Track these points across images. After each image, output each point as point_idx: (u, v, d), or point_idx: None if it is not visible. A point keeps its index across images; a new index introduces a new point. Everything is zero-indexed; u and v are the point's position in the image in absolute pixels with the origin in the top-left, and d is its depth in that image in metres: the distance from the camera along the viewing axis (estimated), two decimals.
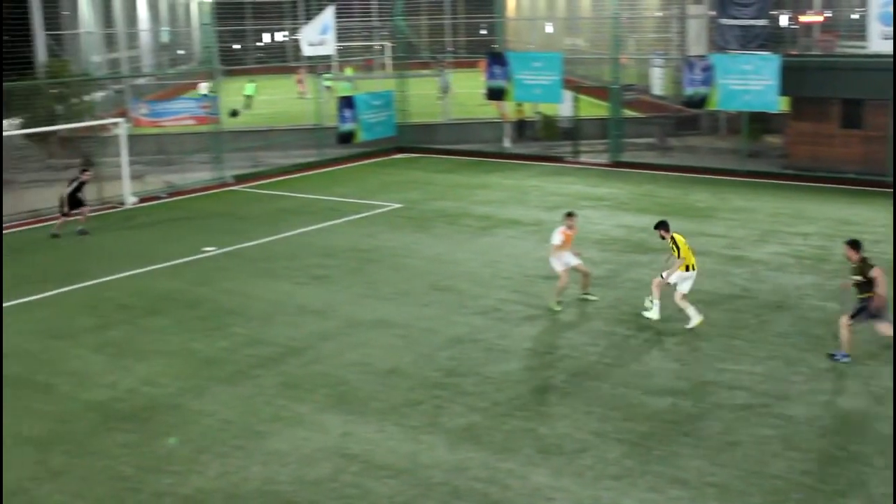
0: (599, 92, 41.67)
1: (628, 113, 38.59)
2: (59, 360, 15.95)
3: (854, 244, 15.04)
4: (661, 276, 17.06)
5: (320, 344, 16.36)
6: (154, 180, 32.42)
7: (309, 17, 38.21)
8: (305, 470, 11.90)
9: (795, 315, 17.37)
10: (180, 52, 68.55)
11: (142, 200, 29.65)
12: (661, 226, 16.95)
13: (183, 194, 30.79)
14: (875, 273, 14.65)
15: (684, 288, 16.80)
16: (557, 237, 17.95)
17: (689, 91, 31.97)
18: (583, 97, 38.57)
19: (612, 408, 13.48)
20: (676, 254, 16.68)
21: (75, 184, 25.56)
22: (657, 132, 37.61)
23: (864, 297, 14.79)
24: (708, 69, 31.18)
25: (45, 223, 26.82)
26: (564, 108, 38.09)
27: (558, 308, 17.92)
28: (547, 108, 39.95)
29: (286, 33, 75.10)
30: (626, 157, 34.65)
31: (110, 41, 50.39)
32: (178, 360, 15.80)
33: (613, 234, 23.55)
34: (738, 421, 12.99)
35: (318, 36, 35.08)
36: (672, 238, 16.84)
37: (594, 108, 41.87)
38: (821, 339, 15.94)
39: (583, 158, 35.30)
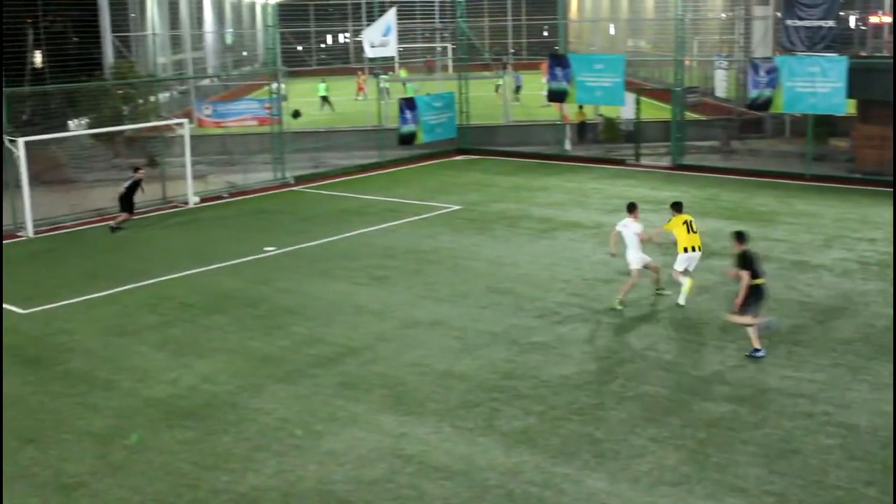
0: (662, 94, 41.37)
1: (691, 115, 38.23)
2: (122, 357, 16.18)
3: (739, 235, 15.57)
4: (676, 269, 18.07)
5: (378, 344, 16.41)
6: (216, 180, 32.83)
7: (371, 19, 38.40)
8: (361, 470, 11.93)
9: (859, 322, 17.04)
10: (244, 53, 69.28)
11: (204, 200, 30.00)
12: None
13: (245, 194, 31.11)
14: (739, 271, 15.22)
15: (679, 266, 18.00)
16: (637, 227, 17.94)
17: (754, 93, 31.55)
18: (645, 99, 38.27)
19: (670, 413, 13.34)
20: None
21: (129, 182, 26.04)
22: (720, 135, 37.22)
23: (757, 284, 15.22)
24: (773, 71, 30.75)
25: (112, 221, 27.25)
26: (626, 110, 37.84)
27: (620, 307, 17.86)
28: (608, 111, 39.74)
29: (349, 35, 75.57)
30: (689, 160, 34.32)
31: (176, 43, 51.08)
32: (238, 358, 15.95)
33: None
34: (799, 429, 12.77)
35: (381, 37, 35.21)
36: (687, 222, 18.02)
37: (656, 111, 41.60)
38: (885, 348, 15.62)
39: (644, 161, 35.04)
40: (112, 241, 25.17)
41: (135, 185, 26.22)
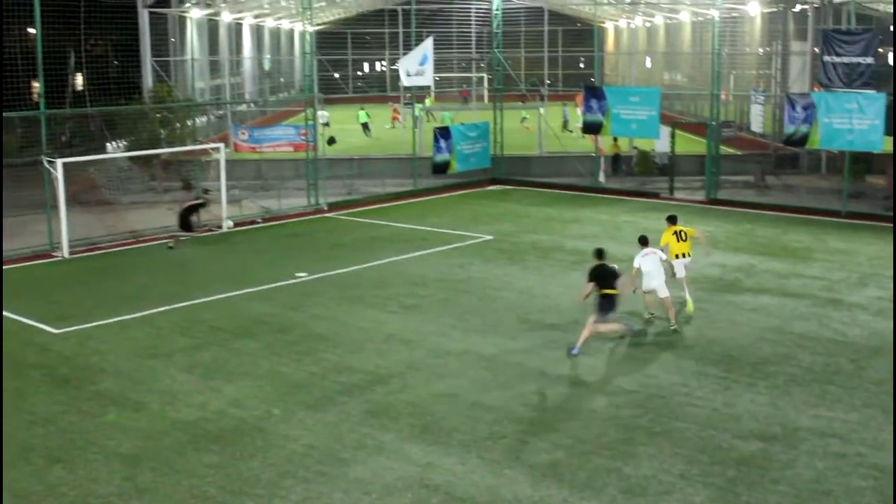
0: (697, 128, 41.26)
1: (726, 150, 38.11)
2: (152, 379, 16.26)
3: (597, 253, 17.75)
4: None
5: (407, 373, 16.39)
6: (251, 205, 33.03)
7: (408, 48, 38.62)
8: (387, 499, 11.89)
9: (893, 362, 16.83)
10: (281, 79, 69.89)
11: (238, 224, 30.20)
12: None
13: (278, 219, 31.29)
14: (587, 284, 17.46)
15: (680, 273, 19.91)
16: (661, 253, 19.12)
17: (790, 129, 31.40)
18: (680, 133, 38.19)
19: (699, 450, 13.21)
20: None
21: (194, 202, 26.46)
22: (755, 170, 37.03)
23: (605, 294, 17.22)
24: (810, 107, 30.61)
25: (145, 244, 27.55)
26: (661, 143, 37.78)
27: (675, 327, 18.74)
28: (643, 143, 39.69)
29: (385, 63, 76.08)
30: (723, 194, 34.16)
31: (214, 68, 51.62)
32: (267, 383, 15.98)
33: (707, 273, 23.18)
34: (831, 470, 12.60)
35: (417, 66, 35.40)
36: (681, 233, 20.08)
37: (691, 144, 41.49)
38: None
39: (678, 195, 34.92)
40: (146, 263, 25.38)
41: (199, 206, 26.66)
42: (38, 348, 18.02)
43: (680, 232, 20.01)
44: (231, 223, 30.02)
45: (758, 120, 40.20)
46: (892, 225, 29.01)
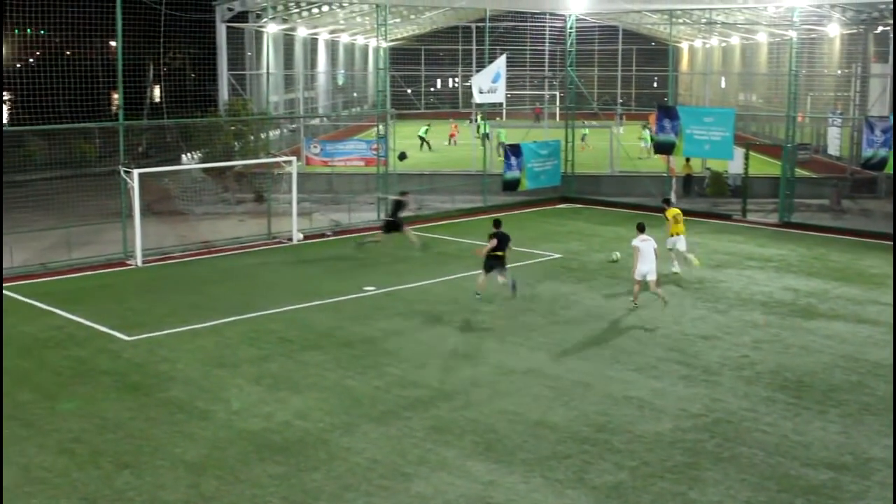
0: (772, 149, 40.70)
1: (801, 172, 37.51)
2: (219, 388, 16.44)
3: (496, 223, 22.87)
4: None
5: (471, 390, 16.36)
6: (321, 218, 33.32)
7: (481, 65, 38.71)
8: None
9: None
10: (354, 94, 70.51)
11: (308, 237, 30.46)
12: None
13: (348, 233, 31.49)
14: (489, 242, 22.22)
15: (681, 246, 25.27)
16: (653, 242, 22.05)
17: (868, 153, 30.87)
18: (754, 154, 37.70)
19: (767, 477, 12.96)
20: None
21: (398, 203, 28.17)
22: (831, 194, 36.40)
23: (495, 255, 22.06)
24: (888, 131, 30.03)
25: (216, 254, 27.94)
26: (734, 164, 37.32)
27: (635, 306, 21.79)
28: (716, 164, 39.25)
29: (457, 80, 76.33)
30: (797, 217, 33.61)
31: (289, 82, 52.27)
32: (332, 396, 16.06)
33: (779, 297, 22.82)
34: None
35: (490, 84, 35.44)
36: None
37: (765, 166, 40.94)
38: None
39: (751, 217, 34.43)
40: (217, 273, 25.72)
41: (400, 205, 28.36)
42: (110, 355, 18.33)
43: (678, 216, 25.28)
44: (301, 235, 30.29)
45: (835, 143, 39.55)
46: None
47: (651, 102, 52.78)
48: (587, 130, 51.70)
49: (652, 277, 21.67)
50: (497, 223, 22.80)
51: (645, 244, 21.67)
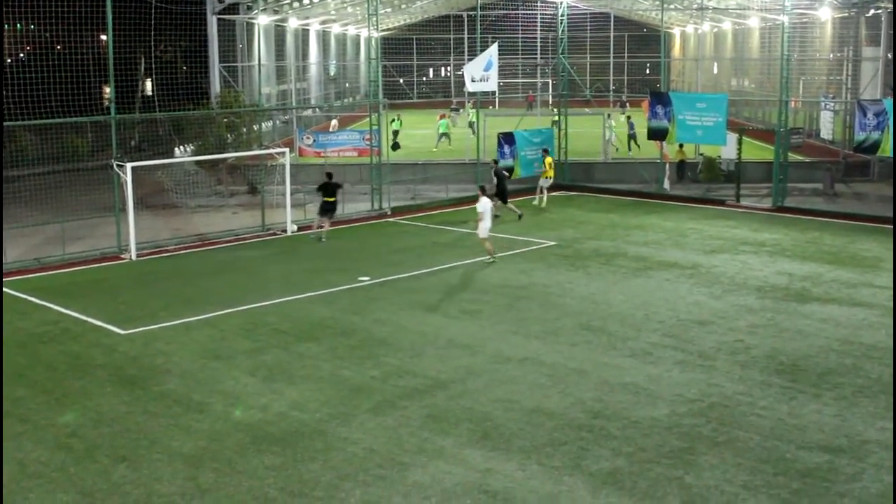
0: (765, 134, 40.72)
1: (794, 157, 37.54)
2: (215, 381, 16.44)
3: (328, 175, 28.45)
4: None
5: (467, 378, 16.37)
6: (315, 209, 33.24)
7: (473, 54, 38.65)
8: None
9: None
10: (346, 84, 70.41)
11: (302, 228, 30.44)
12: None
13: (342, 224, 31.45)
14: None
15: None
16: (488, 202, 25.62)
17: (861, 136, 30.88)
18: (747, 139, 37.71)
19: (763, 461, 13.00)
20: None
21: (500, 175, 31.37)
22: (824, 178, 36.44)
23: (326, 200, 28.10)
24: (881, 114, 30.05)
25: (211, 247, 27.90)
26: (727, 150, 37.34)
27: (492, 260, 24.86)
28: (709, 150, 39.26)
29: (450, 69, 76.23)
30: (791, 202, 33.67)
31: (281, 73, 52.14)
32: (328, 386, 16.07)
33: (773, 282, 22.86)
34: None
35: (482, 72, 35.38)
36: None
37: (758, 151, 40.99)
38: None
39: (745, 202, 34.47)
40: (212, 266, 25.70)
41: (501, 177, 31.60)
42: (104, 349, 18.33)
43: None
44: (295, 227, 30.26)
45: (827, 127, 39.57)
46: None
47: (643, 89, 52.71)
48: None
49: (484, 235, 25.24)
50: (330, 175, 28.67)
51: (484, 205, 25.28)
